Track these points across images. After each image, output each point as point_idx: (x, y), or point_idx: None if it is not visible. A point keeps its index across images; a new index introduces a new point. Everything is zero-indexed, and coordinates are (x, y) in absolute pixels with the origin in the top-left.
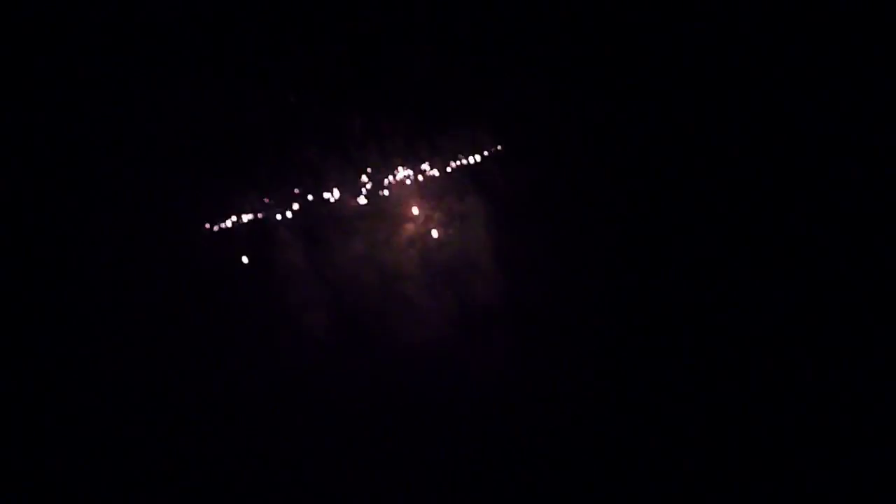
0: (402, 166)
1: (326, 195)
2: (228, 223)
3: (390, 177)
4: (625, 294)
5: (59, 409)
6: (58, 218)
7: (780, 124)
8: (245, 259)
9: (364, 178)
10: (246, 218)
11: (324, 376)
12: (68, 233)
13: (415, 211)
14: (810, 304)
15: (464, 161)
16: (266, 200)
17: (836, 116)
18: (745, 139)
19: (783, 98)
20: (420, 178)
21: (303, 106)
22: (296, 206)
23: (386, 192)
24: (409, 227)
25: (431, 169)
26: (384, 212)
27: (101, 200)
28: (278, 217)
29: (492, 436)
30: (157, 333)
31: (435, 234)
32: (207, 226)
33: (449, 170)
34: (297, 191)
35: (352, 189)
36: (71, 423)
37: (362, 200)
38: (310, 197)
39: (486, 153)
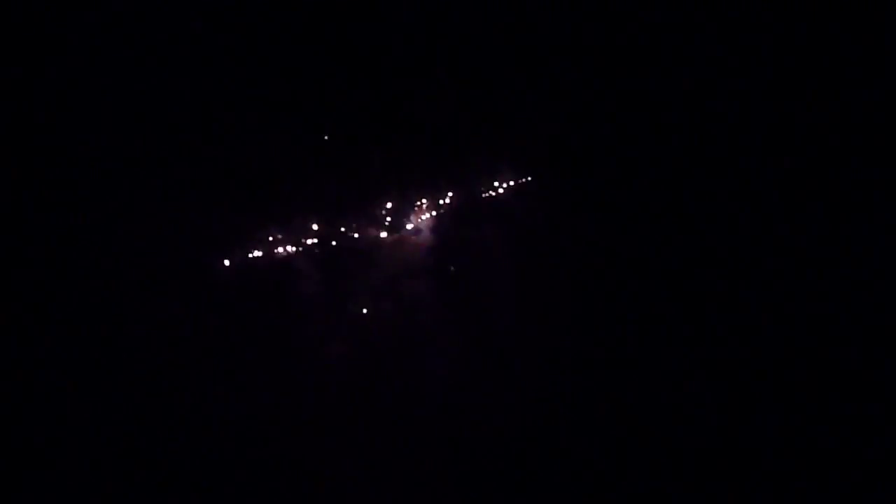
0: (422, 199)
1: (346, 228)
2: (249, 255)
3: (410, 209)
4: (644, 324)
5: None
6: (78, 252)
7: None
8: (265, 291)
9: (384, 210)
10: (268, 251)
11: (343, 405)
12: (89, 267)
13: (434, 243)
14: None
15: (483, 194)
16: (281, 237)
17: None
18: (773, 166)
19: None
20: (439, 210)
21: (324, 140)
22: (315, 239)
23: (406, 225)
24: (429, 259)
25: (450, 201)
26: (404, 243)
27: (124, 233)
28: (299, 249)
29: (511, 463)
30: (177, 363)
31: (453, 265)
32: (231, 259)
33: (468, 202)
34: (315, 226)
35: (372, 222)
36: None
37: (383, 233)
38: (330, 229)
39: (504, 186)
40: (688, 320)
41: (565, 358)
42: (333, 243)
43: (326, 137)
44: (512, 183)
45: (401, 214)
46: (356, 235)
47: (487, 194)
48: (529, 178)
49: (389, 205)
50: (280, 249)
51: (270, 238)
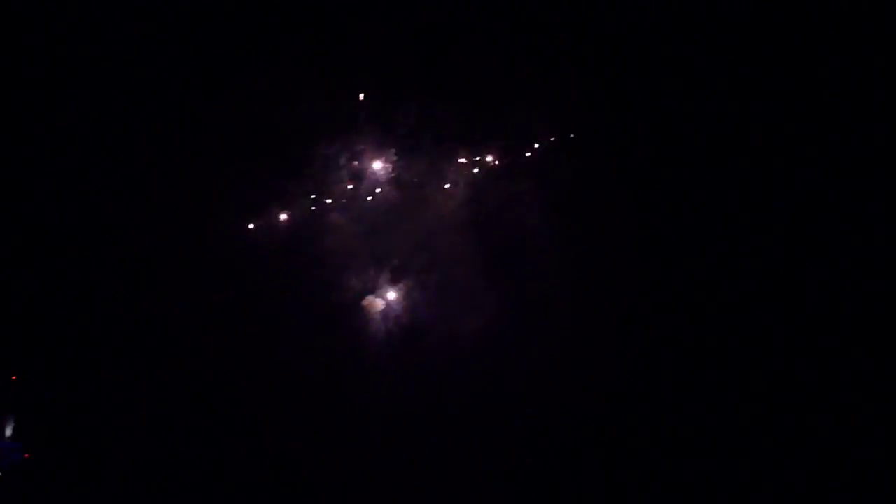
0: (459, 156)
1: (381, 183)
2: (285, 213)
3: (447, 164)
4: (676, 281)
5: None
6: (104, 216)
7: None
8: (301, 247)
9: (420, 166)
10: (299, 207)
11: (380, 357)
12: (117, 232)
13: (470, 198)
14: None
15: (519, 151)
16: (315, 196)
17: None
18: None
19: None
20: (476, 168)
21: (359, 97)
22: (349, 196)
23: (442, 182)
24: (465, 214)
25: (487, 159)
26: (441, 198)
27: (158, 195)
28: (335, 205)
29: (546, 420)
30: (213, 319)
31: (490, 221)
32: (266, 217)
33: (504, 159)
34: (349, 185)
35: (407, 177)
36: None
37: (417, 188)
38: (364, 185)
39: (544, 142)
40: (732, 281)
41: (602, 315)
42: (370, 198)
43: (362, 96)
44: (552, 139)
45: (437, 169)
46: (391, 190)
47: (526, 151)
48: (572, 136)
49: (426, 160)
50: (311, 206)
51: (300, 195)
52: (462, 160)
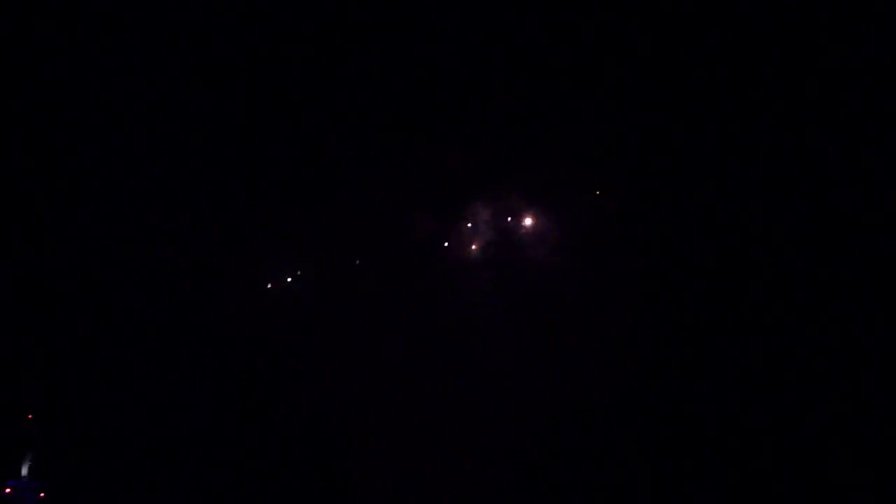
0: (480, 198)
1: (409, 225)
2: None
3: (469, 207)
4: (708, 332)
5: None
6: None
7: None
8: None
9: (464, 219)
10: (318, 264)
11: (405, 390)
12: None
13: (492, 240)
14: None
15: (563, 203)
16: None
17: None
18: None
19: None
20: (498, 208)
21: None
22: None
23: (464, 222)
24: (486, 256)
25: (510, 200)
26: (462, 240)
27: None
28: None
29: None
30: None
31: (510, 264)
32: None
33: (529, 203)
34: (395, 238)
35: (431, 218)
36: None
37: (462, 237)
38: (411, 240)
39: (587, 196)
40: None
41: (630, 364)
42: (413, 252)
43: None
44: (594, 192)
45: (459, 212)
46: (417, 233)
47: (569, 203)
48: (598, 192)
49: (470, 212)
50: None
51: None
52: (485, 211)
